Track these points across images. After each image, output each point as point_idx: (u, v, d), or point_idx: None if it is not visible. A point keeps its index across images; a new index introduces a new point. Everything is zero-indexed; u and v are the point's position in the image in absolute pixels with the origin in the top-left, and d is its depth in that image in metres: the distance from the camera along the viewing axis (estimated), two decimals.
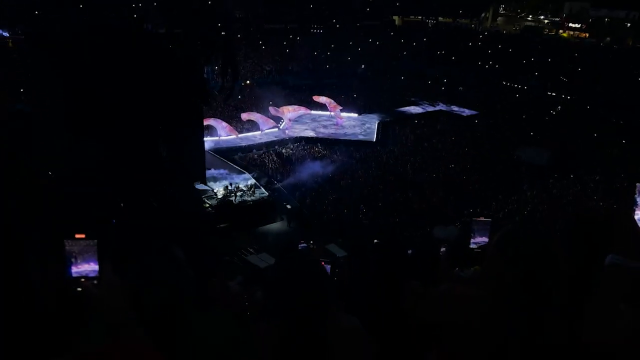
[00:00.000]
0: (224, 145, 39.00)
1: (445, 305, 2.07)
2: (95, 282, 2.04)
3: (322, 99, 46.75)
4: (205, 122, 39.95)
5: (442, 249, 3.67)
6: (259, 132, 42.09)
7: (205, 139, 38.68)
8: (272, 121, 42.74)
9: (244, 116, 43.01)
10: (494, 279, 1.96)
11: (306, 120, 46.53)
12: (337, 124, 45.53)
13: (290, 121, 43.66)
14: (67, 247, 2.04)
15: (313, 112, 47.04)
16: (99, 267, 2.06)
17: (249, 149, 39.38)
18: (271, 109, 43.87)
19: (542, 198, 32.13)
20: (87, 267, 2.05)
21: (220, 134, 40.20)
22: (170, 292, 1.93)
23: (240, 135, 41.33)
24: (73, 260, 2.04)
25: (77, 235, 2.06)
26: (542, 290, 1.93)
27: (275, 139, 41.61)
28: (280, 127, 43.32)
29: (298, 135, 42.40)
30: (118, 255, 2.71)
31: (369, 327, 2.45)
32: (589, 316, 2.04)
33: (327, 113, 46.99)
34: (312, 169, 35.08)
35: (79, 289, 2.02)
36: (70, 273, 2.05)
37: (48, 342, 1.96)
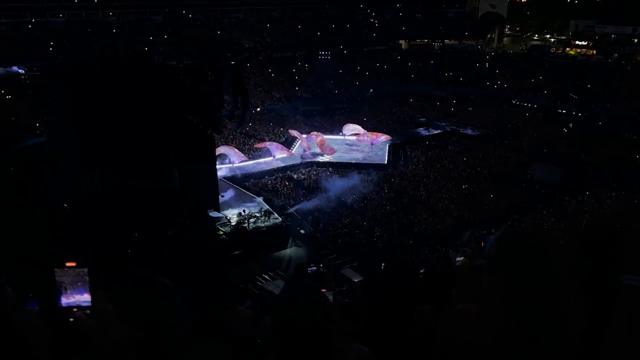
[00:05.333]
0: (238, 172, 39.09)
1: (456, 326, 2.01)
2: (88, 312, 1.92)
3: (353, 127, 47.65)
4: (218, 151, 40.42)
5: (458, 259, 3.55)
6: (270, 158, 42.29)
7: (218, 166, 39.24)
8: (286, 149, 43.25)
9: (259, 145, 43.80)
10: (497, 287, 1.77)
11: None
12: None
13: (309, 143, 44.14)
14: (56, 277, 1.94)
15: (328, 136, 47.36)
16: (92, 297, 1.94)
17: (260, 175, 39.48)
18: (291, 132, 45.35)
19: (558, 216, 31.72)
20: (78, 297, 1.93)
21: (233, 160, 40.47)
22: (153, 326, 1.87)
23: (252, 162, 41.58)
24: (63, 290, 1.94)
25: (68, 264, 1.95)
26: (549, 296, 1.71)
27: (283, 164, 41.58)
28: (293, 151, 43.80)
29: (310, 160, 42.46)
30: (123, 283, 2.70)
31: (380, 356, 2.42)
32: (606, 342, 1.92)
33: (342, 137, 47.69)
34: (327, 192, 35.11)
35: (71, 320, 1.91)
36: (60, 303, 1.94)
37: None
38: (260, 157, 42.70)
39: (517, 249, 1.76)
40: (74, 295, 1.93)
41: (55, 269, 1.95)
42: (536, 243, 1.76)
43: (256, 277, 25.74)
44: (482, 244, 3.13)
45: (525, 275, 1.71)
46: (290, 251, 29.57)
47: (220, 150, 40.63)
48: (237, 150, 41.16)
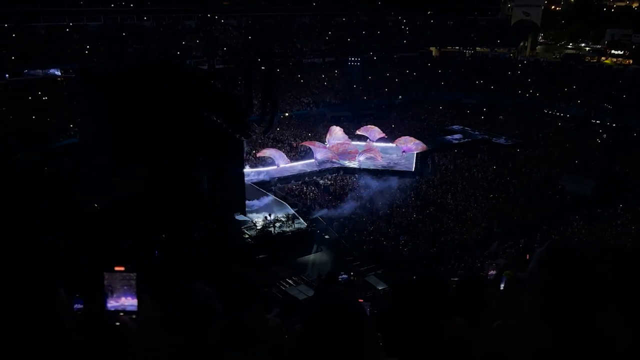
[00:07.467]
0: (267, 177, 39.25)
1: (496, 342, 1.94)
2: (133, 316, 1.96)
3: (366, 128, 47.82)
4: (262, 154, 40.85)
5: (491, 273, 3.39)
6: (312, 160, 42.49)
7: (263, 169, 39.70)
8: (328, 149, 43.50)
9: (304, 144, 44.48)
10: (540, 304, 1.68)
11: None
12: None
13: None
14: (105, 280, 1.99)
15: (356, 142, 47.32)
16: (138, 301, 1.98)
17: (286, 180, 39.54)
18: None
19: (590, 229, 30.91)
20: (125, 301, 1.97)
21: (278, 162, 40.55)
22: (193, 333, 1.88)
23: (298, 163, 41.99)
24: (110, 293, 1.98)
25: (117, 268, 1.99)
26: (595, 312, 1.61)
27: (308, 169, 41.43)
28: (327, 146, 44.26)
29: (337, 166, 42.36)
30: (157, 287, 2.71)
31: None
32: None
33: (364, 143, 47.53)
34: (353, 199, 35.05)
35: (117, 323, 1.95)
36: (107, 306, 1.98)
37: None
38: (302, 158, 43.01)
39: (564, 263, 1.69)
40: (121, 299, 1.97)
41: (104, 273, 1.98)
42: (583, 258, 1.69)
43: (280, 282, 25.81)
44: (527, 257, 3.00)
45: (570, 291, 1.64)
46: (314, 256, 29.55)
47: (266, 152, 40.99)
48: (282, 152, 41.38)
